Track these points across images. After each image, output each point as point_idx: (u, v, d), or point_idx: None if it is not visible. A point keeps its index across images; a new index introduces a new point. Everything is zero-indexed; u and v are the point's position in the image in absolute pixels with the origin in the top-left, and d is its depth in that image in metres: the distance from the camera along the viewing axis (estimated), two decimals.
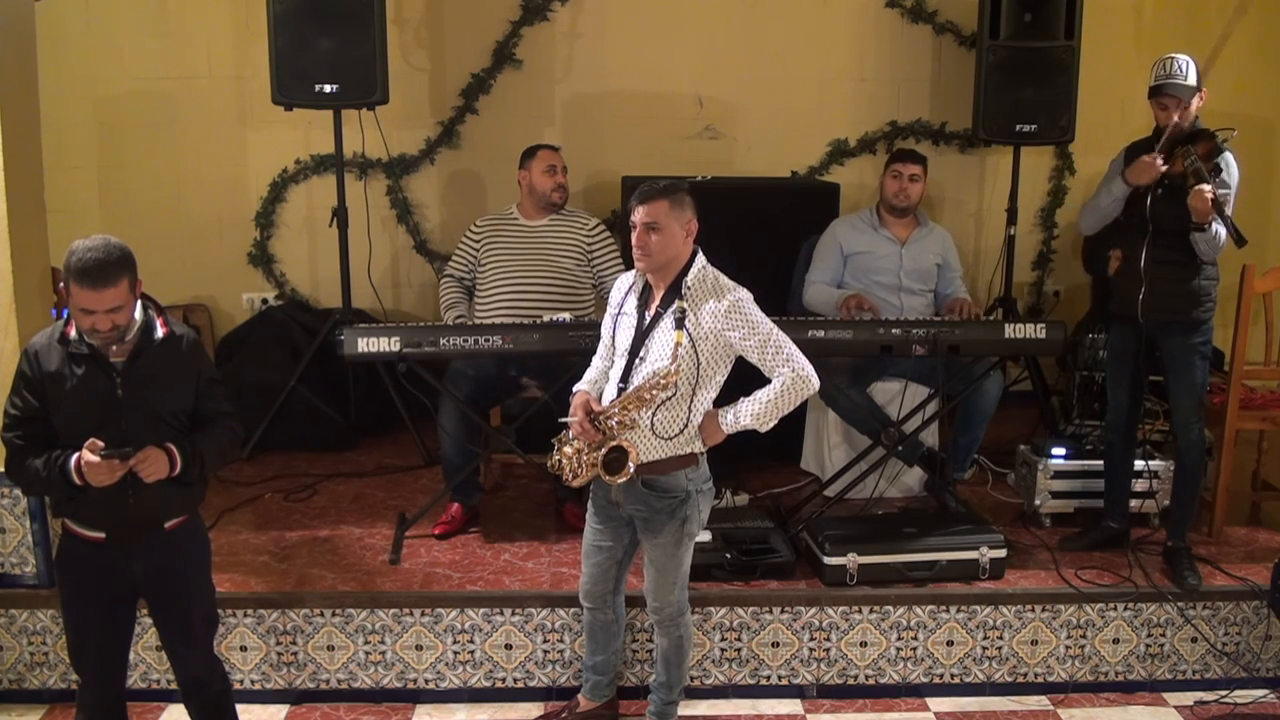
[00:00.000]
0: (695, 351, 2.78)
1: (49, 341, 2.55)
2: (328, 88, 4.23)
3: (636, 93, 5.09)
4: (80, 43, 4.88)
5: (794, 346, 2.81)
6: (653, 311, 2.87)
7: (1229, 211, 3.25)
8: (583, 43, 5.05)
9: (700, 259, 2.87)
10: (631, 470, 2.80)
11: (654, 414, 2.81)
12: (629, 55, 5.05)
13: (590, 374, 3.04)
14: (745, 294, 2.84)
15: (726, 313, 2.78)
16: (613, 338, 2.97)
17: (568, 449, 2.93)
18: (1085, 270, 5.15)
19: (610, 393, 2.91)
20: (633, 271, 2.97)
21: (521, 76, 5.04)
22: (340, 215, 4.55)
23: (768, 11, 5.07)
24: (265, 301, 5.18)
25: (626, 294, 2.97)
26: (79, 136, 4.94)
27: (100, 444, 2.43)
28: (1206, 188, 3.20)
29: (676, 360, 2.74)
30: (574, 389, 2.99)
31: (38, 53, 3.46)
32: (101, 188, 5.04)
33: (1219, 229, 3.25)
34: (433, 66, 5.05)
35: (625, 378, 2.87)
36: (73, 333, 2.53)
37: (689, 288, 2.81)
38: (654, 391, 2.78)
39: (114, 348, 2.51)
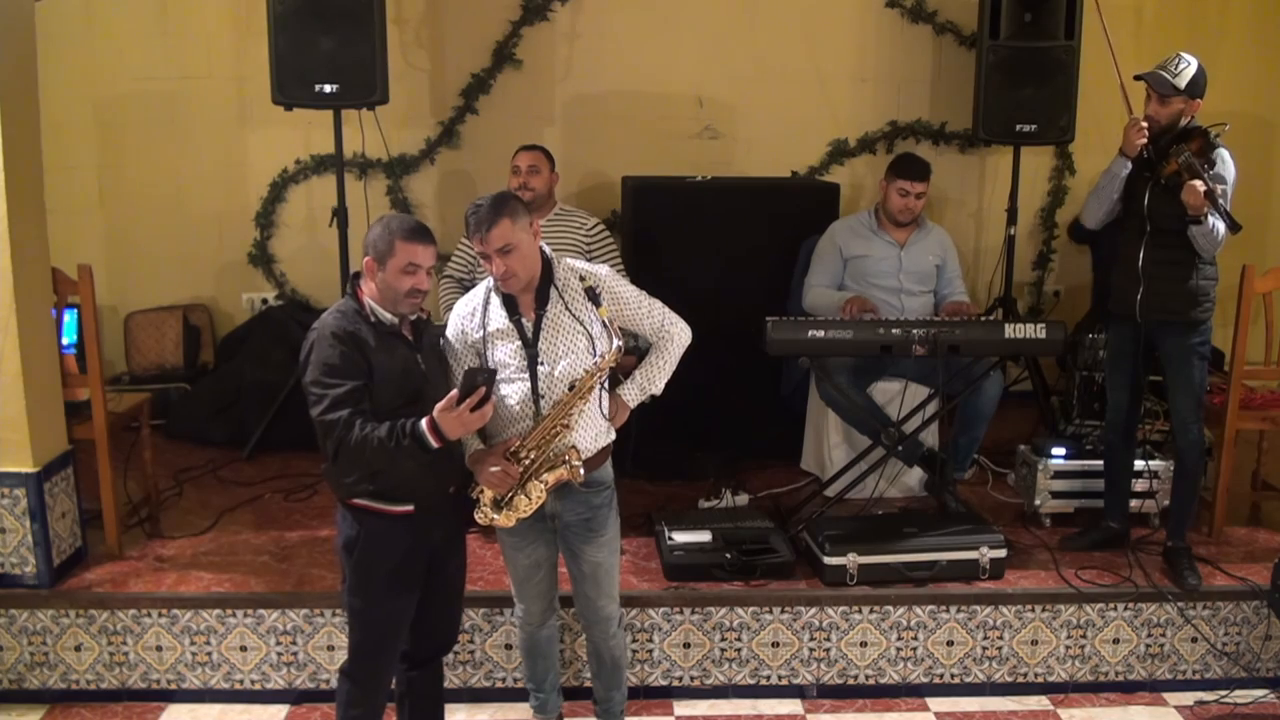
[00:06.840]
0: (590, 334, 2.72)
1: (345, 322, 2.53)
2: (328, 88, 4.23)
3: (636, 93, 5.09)
4: (80, 43, 4.88)
5: (662, 304, 2.88)
6: (532, 318, 2.71)
7: (1225, 204, 3.24)
8: (583, 43, 5.05)
9: (548, 251, 2.78)
10: (581, 471, 2.68)
11: (585, 410, 2.72)
12: (629, 55, 5.05)
13: None
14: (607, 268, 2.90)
15: (605, 277, 2.80)
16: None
17: (520, 499, 2.70)
18: (1092, 269, 5.16)
19: (521, 420, 2.71)
20: (471, 296, 2.79)
21: (521, 76, 5.04)
22: (340, 215, 4.55)
23: (768, 12, 5.07)
24: (265, 301, 5.18)
25: (482, 316, 2.74)
26: (79, 136, 4.94)
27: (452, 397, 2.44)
28: (1198, 182, 3.19)
29: (614, 334, 2.70)
30: (467, 454, 2.72)
31: (38, 53, 3.46)
32: (101, 188, 5.04)
33: (1216, 223, 3.25)
34: (433, 66, 5.05)
35: (536, 391, 2.68)
36: (369, 311, 2.55)
37: (563, 280, 2.74)
38: (595, 377, 2.68)
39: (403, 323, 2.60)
